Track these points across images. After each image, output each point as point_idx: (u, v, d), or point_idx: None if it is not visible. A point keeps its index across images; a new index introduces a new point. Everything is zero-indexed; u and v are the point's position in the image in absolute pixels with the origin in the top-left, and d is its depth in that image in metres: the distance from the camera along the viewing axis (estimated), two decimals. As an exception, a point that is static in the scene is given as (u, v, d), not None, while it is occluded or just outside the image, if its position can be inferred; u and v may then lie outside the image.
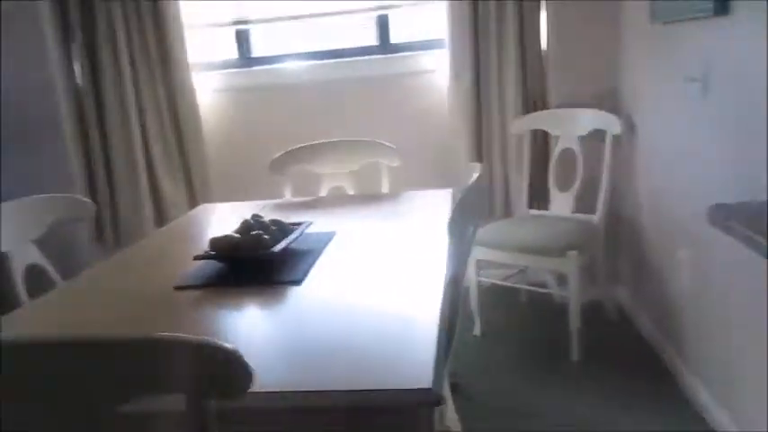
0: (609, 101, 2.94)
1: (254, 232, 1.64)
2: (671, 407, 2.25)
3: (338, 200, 2.47)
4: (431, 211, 2.12)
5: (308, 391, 1.04)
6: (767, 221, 1.29)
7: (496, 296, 3.19)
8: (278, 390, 1.04)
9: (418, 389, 0.99)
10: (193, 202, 3.21)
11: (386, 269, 1.61)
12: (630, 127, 2.79)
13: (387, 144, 2.59)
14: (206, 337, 0.80)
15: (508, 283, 3.00)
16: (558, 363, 2.63)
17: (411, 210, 2.22)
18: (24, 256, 1.87)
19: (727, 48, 1.88)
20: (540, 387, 2.47)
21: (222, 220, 2.27)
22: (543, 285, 3.19)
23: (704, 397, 2.17)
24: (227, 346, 0.79)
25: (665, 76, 2.39)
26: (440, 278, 1.46)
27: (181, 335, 0.79)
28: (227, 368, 0.79)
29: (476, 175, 1.52)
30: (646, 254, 2.72)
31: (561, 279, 2.88)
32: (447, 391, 2.04)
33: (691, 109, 2.16)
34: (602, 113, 2.83)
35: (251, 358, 0.79)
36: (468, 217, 1.49)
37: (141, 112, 3.16)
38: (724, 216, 1.32)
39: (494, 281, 2.96)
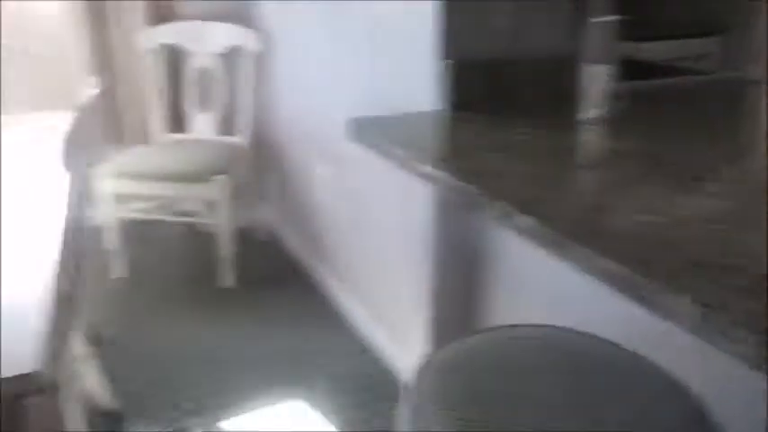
0: (248, 15, 2.79)
1: None
2: (323, 321, 2.35)
3: None
4: (40, 140, 1.72)
5: None
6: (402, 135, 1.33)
7: (137, 231, 2.90)
8: None
9: (17, 376, 0.75)
10: None
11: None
12: (271, 43, 2.71)
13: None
14: None
15: (152, 216, 2.73)
16: (211, 293, 2.52)
17: (10, 144, 1.77)
18: None
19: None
20: (196, 321, 2.34)
21: None
22: (187, 214, 3.01)
23: (353, 306, 2.32)
24: None
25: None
26: (55, 224, 1.17)
27: None
28: None
29: (93, 93, 1.24)
30: (290, 173, 2.75)
31: (209, 205, 2.74)
32: (86, 349, 1.75)
33: (330, 24, 2.15)
34: (241, 29, 2.68)
35: None
36: (85, 143, 1.21)
37: None
38: (361, 130, 1.32)
39: (134, 215, 2.66)
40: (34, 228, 1.18)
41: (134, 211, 2.66)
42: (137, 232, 2.85)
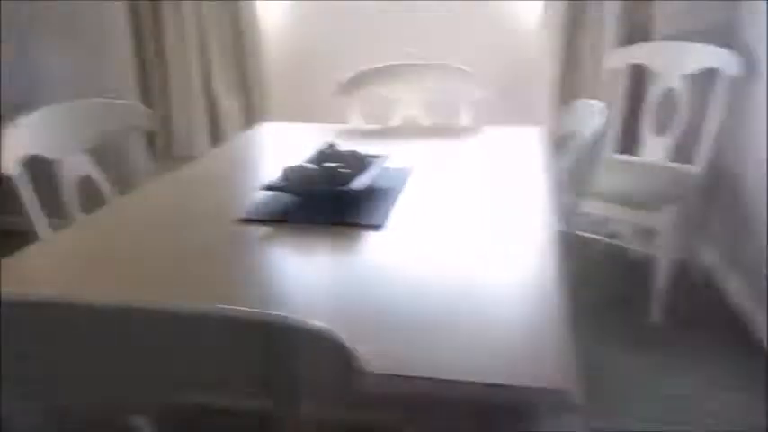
0: (725, 34, 2.55)
1: (331, 164, 1.43)
2: (764, 392, 2.03)
3: (412, 130, 2.22)
4: (519, 151, 1.86)
5: (414, 377, 0.83)
6: None
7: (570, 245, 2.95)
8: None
9: (555, 389, 0.79)
10: (251, 118, 3.00)
11: (483, 218, 1.38)
12: (755, 67, 2.41)
13: (466, 69, 2.31)
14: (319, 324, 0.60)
15: (582, 233, 2.74)
16: (635, 323, 2.41)
17: (496, 148, 1.96)
18: (77, 166, 1.70)
19: None
20: (620, 351, 2.26)
21: (285, 143, 2.07)
22: (616, 236, 2.93)
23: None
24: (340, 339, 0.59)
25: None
26: (548, 233, 1.24)
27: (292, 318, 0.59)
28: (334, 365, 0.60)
29: (601, 119, 1.27)
30: (746, 213, 2.43)
31: (648, 234, 2.62)
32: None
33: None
34: (717, 49, 2.47)
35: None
36: (587, 166, 1.25)
37: (199, 19, 2.92)
38: None
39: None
40: (528, 237, 1.27)
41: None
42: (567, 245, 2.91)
